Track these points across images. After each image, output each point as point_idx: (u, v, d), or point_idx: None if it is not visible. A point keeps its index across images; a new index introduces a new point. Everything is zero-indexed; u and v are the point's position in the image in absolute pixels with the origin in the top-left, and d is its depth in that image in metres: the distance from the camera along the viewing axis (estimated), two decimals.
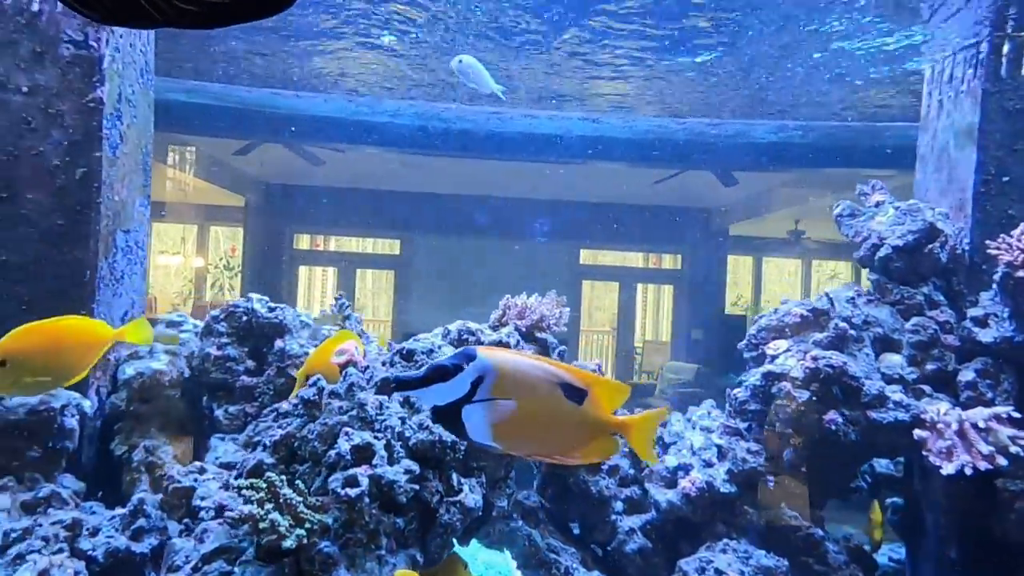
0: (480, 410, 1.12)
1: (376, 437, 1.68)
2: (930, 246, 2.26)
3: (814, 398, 2.19)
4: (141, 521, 1.95)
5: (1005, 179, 2.30)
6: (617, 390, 1.22)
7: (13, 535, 1.64)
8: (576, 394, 1.15)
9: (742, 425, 2.39)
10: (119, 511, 1.96)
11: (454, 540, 1.82)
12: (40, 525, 1.70)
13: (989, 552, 2.13)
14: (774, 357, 2.40)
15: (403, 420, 1.76)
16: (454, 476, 1.80)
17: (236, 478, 1.78)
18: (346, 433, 1.66)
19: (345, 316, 2.38)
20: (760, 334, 2.54)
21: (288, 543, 1.45)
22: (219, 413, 2.28)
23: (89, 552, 1.81)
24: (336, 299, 2.42)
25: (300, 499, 1.54)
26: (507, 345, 2.11)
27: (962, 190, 2.29)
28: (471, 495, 1.80)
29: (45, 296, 2.25)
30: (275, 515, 1.46)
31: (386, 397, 1.80)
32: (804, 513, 2.38)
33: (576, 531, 2.53)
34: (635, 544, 2.27)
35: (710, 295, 8.82)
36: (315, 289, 9.80)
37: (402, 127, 4.86)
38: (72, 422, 2.05)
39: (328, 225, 8.95)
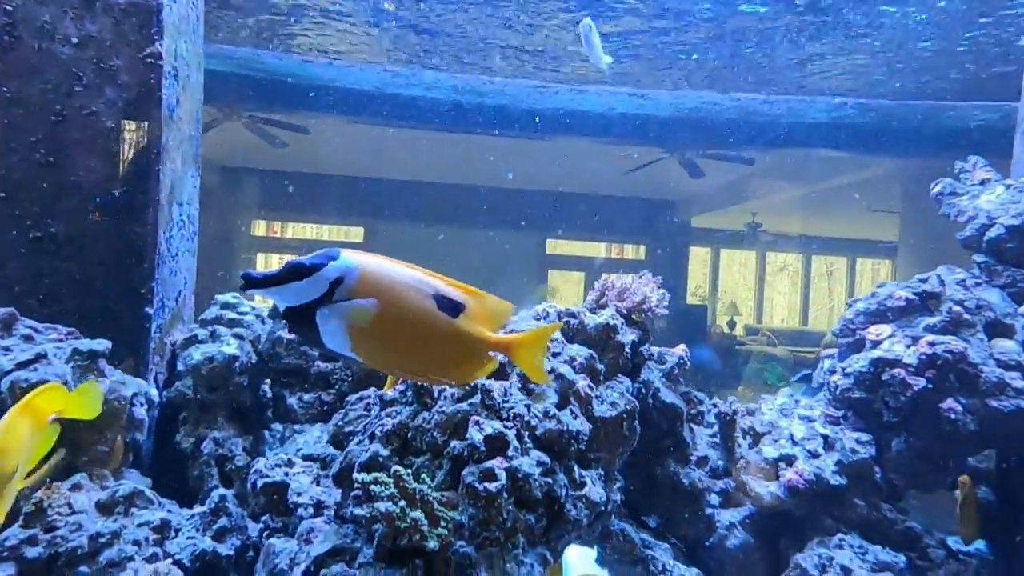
0: (336, 313, 1.03)
1: (506, 426, 1.56)
2: None
3: (930, 386, 2.12)
4: (223, 520, 1.82)
5: None
6: (499, 306, 1.15)
7: (101, 539, 1.50)
8: (451, 306, 1.08)
9: (844, 411, 2.32)
10: (199, 509, 1.82)
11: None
12: (126, 527, 1.55)
13: None
14: (876, 343, 2.32)
15: (528, 407, 1.64)
16: (576, 468, 1.70)
17: (341, 471, 1.64)
18: (476, 422, 1.54)
19: None
20: (858, 318, 2.46)
21: (432, 544, 1.33)
22: (292, 401, 2.14)
23: (176, 556, 1.68)
24: None
25: (434, 495, 1.42)
26: (614, 330, 2.00)
27: None
28: (594, 488, 1.69)
29: (98, 273, 2.08)
30: (416, 513, 1.34)
31: (508, 383, 1.68)
32: (897, 506, 2.32)
33: (654, 524, 2.45)
34: (737, 539, 2.20)
35: (672, 285, 9.19)
36: None
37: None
38: (142, 412, 1.90)
39: (289, 211, 8.79)
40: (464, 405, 1.63)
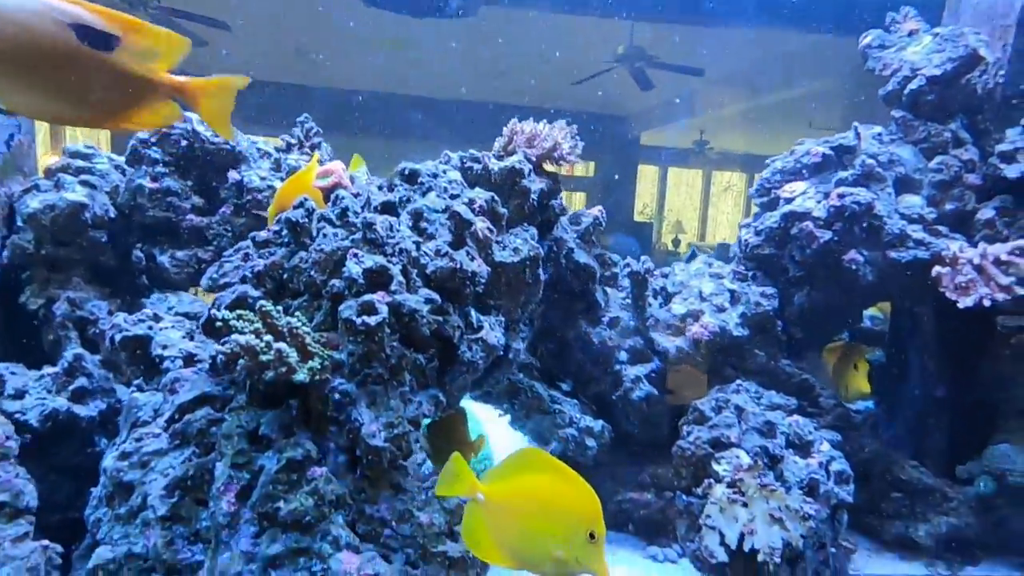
0: None
1: (391, 261, 1.44)
2: (968, 76, 2.18)
3: (835, 238, 2.16)
4: (82, 381, 1.65)
5: None
6: (168, 40, 1.00)
7: None
8: (99, 38, 0.94)
9: (752, 271, 2.35)
10: (49, 370, 1.65)
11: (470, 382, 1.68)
12: None
13: (976, 387, 2.29)
14: (790, 199, 2.33)
15: (417, 245, 1.52)
16: (472, 312, 1.62)
17: (209, 318, 1.50)
18: (355, 255, 1.41)
19: (314, 145, 2.02)
20: (774, 177, 2.44)
21: (300, 376, 1.23)
22: (164, 259, 1.93)
23: (18, 415, 1.51)
24: (300, 122, 2.04)
25: (305, 329, 1.30)
26: (520, 173, 1.87)
27: (1004, 16, 2.19)
28: (492, 332, 1.64)
29: None
30: (281, 345, 1.23)
31: (395, 219, 1.54)
32: (797, 364, 2.45)
33: (568, 388, 2.49)
34: (642, 391, 2.25)
35: (621, 203, 9.45)
36: None
37: None
38: None
39: None
40: (345, 242, 1.48)
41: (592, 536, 0.87)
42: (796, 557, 1.61)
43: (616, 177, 9.40)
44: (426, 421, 1.65)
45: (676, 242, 10.08)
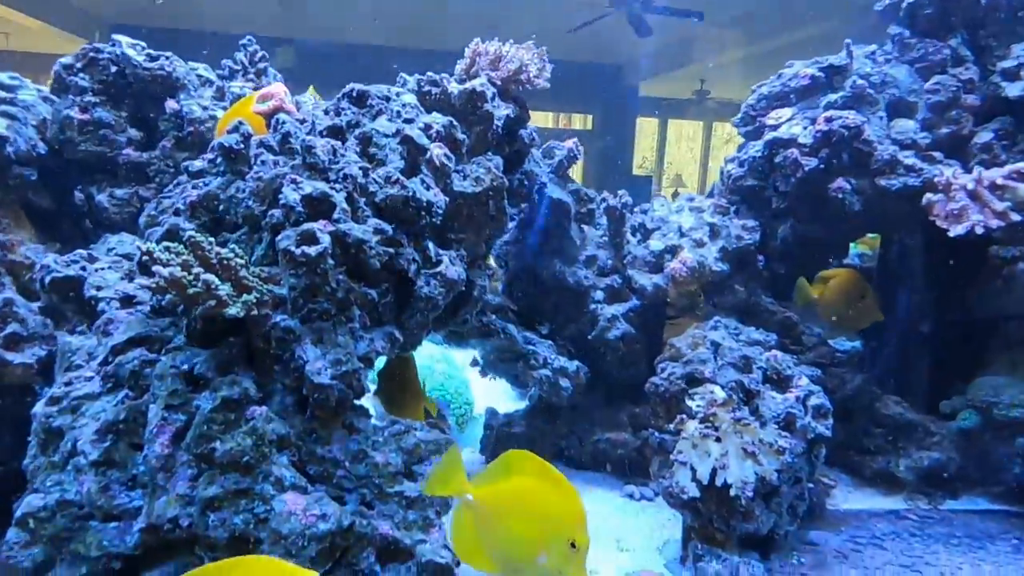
0: None
1: (334, 188, 1.33)
2: None
3: (821, 166, 2.06)
4: (14, 326, 1.57)
5: None
6: None
7: None
8: None
9: (734, 204, 2.26)
10: None
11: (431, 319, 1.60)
12: None
13: (964, 321, 2.24)
14: (775, 127, 2.21)
15: (365, 172, 1.42)
16: (430, 246, 1.53)
17: (143, 256, 1.40)
18: (293, 181, 1.30)
19: (260, 71, 1.87)
20: (760, 104, 2.32)
21: (233, 310, 1.15)
22: (102, 198, 1.81)
23: None
24: (244, 45, 1.88)
25: (240, 261, 1.21)
26: (482, 97, 1.74)
27: None
28: (452, 267, 1.55)
29: None
30: (209, 276, 1.14)
31: (340, 143, 1.43)
32: (780, 303, 2.38)
33: (545, 332, 2.44)
34: (618, 330, 2.20)
35: (619, 156, 9.26)
36: None
37: None
38: None
39: None
40: (284, 168, 1.37)
41: (573, 545, 0.85)
42: (771, 492, 1.59)
43: (614, 131, 9.18)
44: (380, 361, 1.59)
45: (676, 195, 9.96)
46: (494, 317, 2.19)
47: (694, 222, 2.16)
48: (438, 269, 1.52)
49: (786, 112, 2.22)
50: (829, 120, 2.03)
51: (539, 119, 9.88)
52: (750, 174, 2.21)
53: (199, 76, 1.88)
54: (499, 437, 2.25)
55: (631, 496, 2.11)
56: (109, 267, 1.58)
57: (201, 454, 1.12)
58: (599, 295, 2.26)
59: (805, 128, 2.12)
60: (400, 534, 1.25)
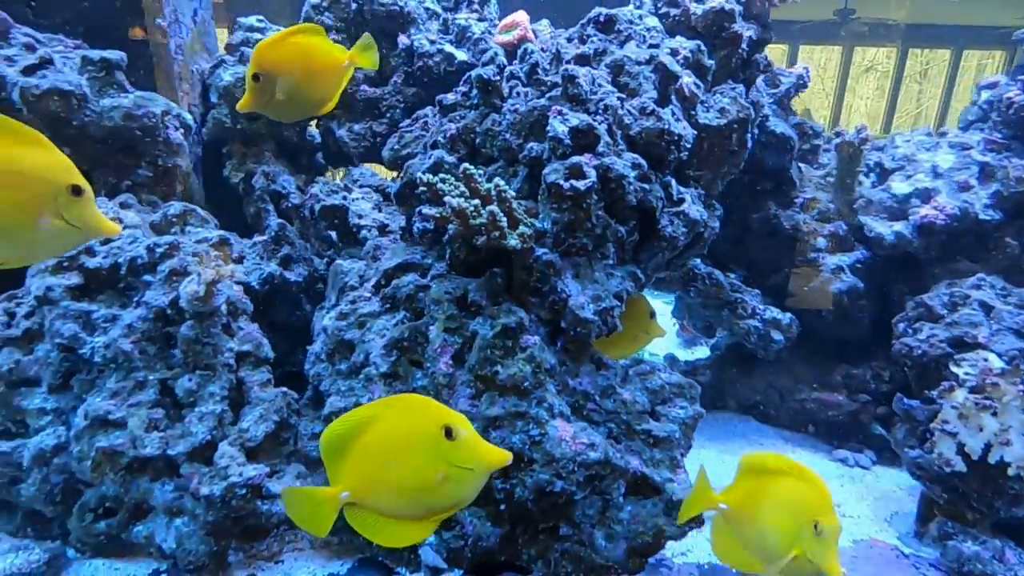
0: None
1: (596, 120, 1.32)
2: None
3: None
4: (287, 249, 1.77)
5: None
6: None
7: (159, 250, 1.46)
8: None
9: (1011, 139, 1.93)
10: (259, 238, 1.78)
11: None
12: (183, 244, 1.51)
13: None
14: None
15: (621, 101, 1.38)
16: (673, 182, 1.48)
17: (402, 189, 1.50)
18: (559, 112, 1.31)
19: (484, 1, 1.88)
20: None
21: (512, 242, 1.20)
22: (342, 133, 1.96)
23: (241, 277, 1.66)
24: None
25: (512, 194, 1.25)
26: (729, 16, 1.61)
27: None
28: (694, 206, 1.49)
29: None
30: (494, 207, 1.19)
31: (595, 71, 1.40)
32: None
33: (739, 277, 2.31)
34: (843, 283, 2.03)
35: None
36: None
37: None
38: (178, 136, 1.77)
39: None
40: (542, 100, 1.38)
41: (816, 528, 0.88)
42: None
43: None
44: None
45: None
46: (698, 261, 2.12)
47: (956, 161, 1.89)
48: (681, 208, 1.47)
49: None
50: None
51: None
52: None
53: (426, 9, 1.93)
54: None
55: (844, 461, 2.00)
56: (362, 197, 1.72)
57: (483, 376, 1.22)
58: (821, 242, 2.09)
59: None
60: (649, 471, 1.28)
